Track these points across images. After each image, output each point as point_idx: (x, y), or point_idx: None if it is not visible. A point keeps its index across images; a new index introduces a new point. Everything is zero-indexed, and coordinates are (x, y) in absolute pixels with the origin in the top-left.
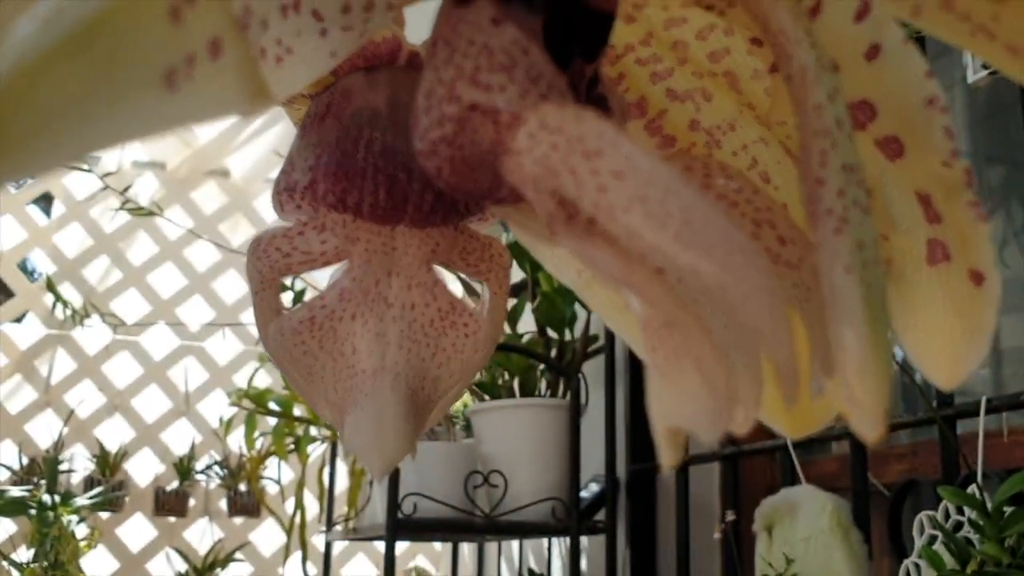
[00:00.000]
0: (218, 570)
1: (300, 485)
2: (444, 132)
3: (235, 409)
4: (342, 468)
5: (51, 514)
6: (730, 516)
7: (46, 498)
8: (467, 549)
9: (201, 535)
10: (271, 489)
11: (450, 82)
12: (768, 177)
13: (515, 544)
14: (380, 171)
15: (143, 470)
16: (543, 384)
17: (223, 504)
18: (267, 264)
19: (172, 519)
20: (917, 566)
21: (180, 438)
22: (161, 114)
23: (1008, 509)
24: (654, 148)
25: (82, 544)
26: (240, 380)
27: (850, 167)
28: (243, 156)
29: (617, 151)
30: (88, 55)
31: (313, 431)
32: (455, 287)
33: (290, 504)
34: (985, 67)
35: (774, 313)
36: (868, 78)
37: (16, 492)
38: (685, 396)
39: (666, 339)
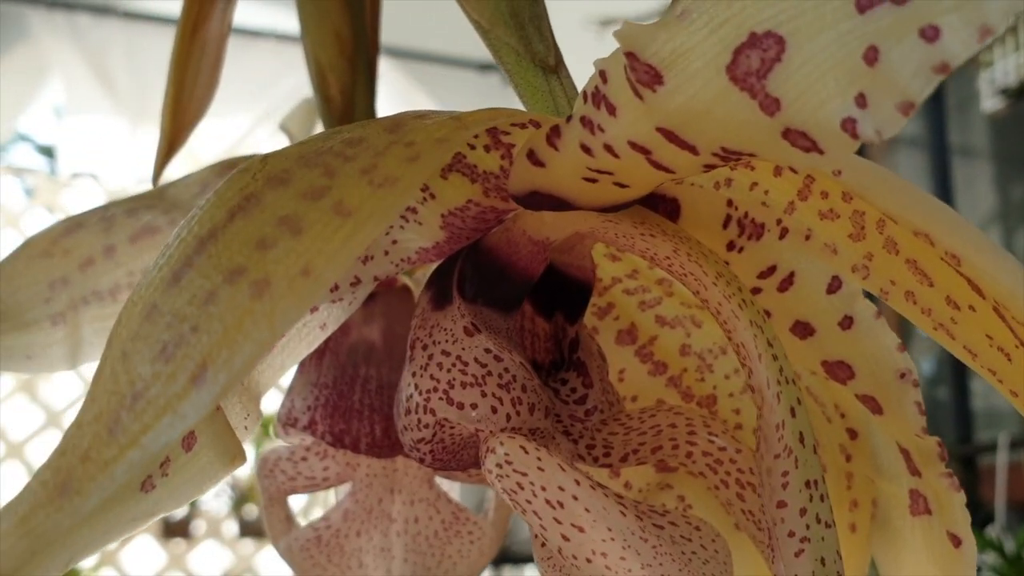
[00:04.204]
0: None
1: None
2: (423, 435)
3: None
4: None
5: None
6: None
7: None
8: None
9: (209, 558)
10: None
11: (426, 393)
12: None
13: (527, 572)
14: (376, 411)
15: None
16: None
17: (231, 527)
18: (274, 485)
19: (180, 542)
20: None
21: None
22: (138, 512)
23: None
24: (646, 374)
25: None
26: None
27: (812, 483)
28: None
29: (578, 505)
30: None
31: None
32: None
33: None
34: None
35: None
36: (844, 343)
37: None
38: None
39: None
